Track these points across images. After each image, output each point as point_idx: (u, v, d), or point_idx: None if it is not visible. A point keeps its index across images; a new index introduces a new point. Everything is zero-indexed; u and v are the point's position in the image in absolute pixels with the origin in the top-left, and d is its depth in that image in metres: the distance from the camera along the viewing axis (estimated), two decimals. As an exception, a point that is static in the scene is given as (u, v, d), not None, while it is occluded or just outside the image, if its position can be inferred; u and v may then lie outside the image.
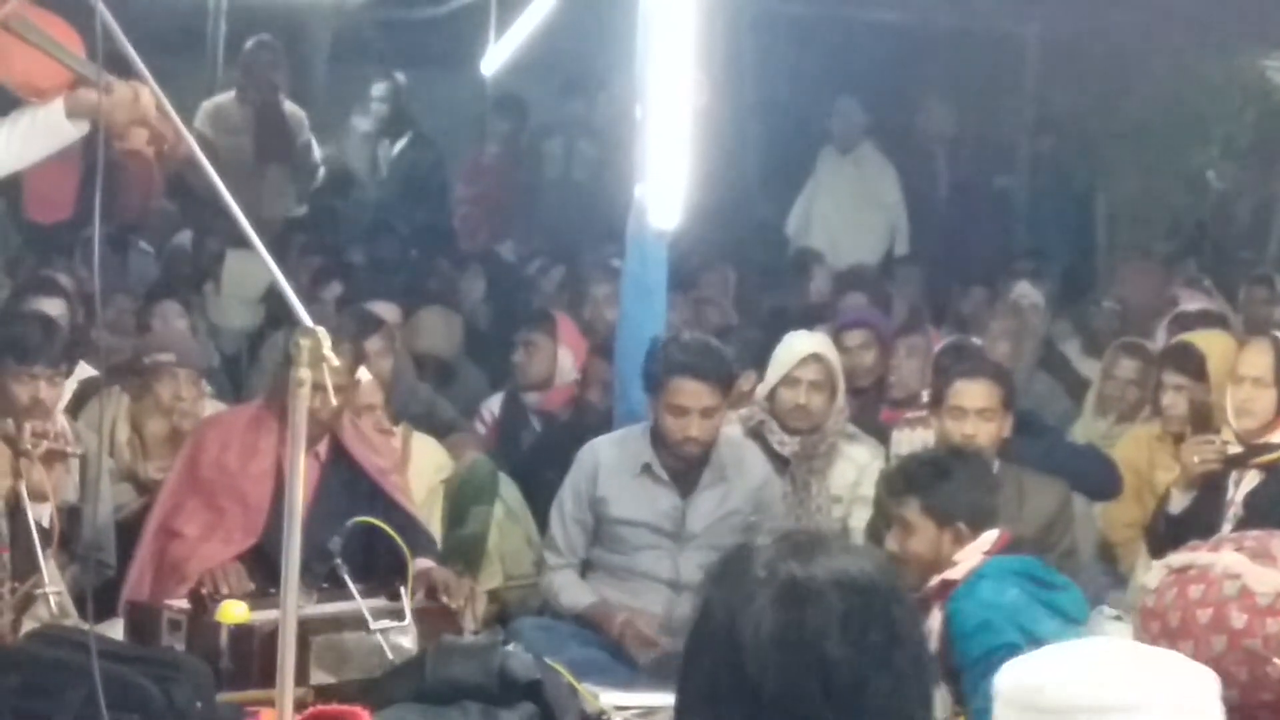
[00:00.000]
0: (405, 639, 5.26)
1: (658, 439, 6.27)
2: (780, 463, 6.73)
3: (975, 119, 13.25)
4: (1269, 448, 6.19)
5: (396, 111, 12.33)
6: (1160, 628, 5.10)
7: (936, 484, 5.26)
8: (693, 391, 6.14)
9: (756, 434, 6.82)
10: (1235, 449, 6.21)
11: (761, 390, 6.93)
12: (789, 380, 6.82)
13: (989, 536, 5.18)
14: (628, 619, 6.10)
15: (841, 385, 6.91)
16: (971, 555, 5.14)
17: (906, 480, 5.35)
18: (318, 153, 11.37)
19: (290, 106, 11.21)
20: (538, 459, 7.15)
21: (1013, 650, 4.88)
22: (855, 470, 6.85)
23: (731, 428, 6.72)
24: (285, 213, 10.80)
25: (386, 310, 7.81)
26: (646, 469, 6.27)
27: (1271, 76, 13.06)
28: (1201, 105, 13.06)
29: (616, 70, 7.98)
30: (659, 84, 6.71)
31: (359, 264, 10.12)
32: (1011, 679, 2.74)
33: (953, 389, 6.36)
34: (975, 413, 6.25)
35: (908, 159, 12.40)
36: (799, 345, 6.93)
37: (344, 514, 5.56)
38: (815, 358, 6.83)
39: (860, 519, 6.67)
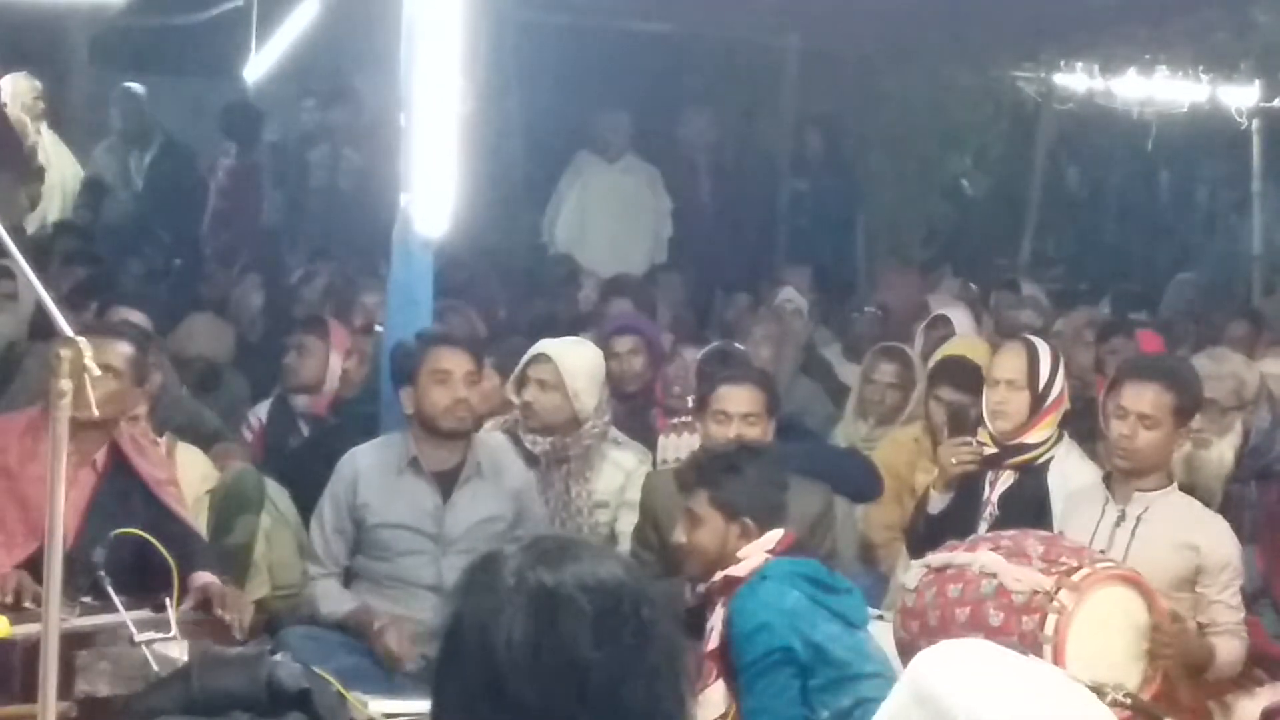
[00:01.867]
0: (175, 651, 5.20)
1: (424, 426, 6.29)
2: (536, 462, 6.78)
3: (737, 128, 13.40)
4: (1023, 448, 6.33)
5: (139, 121, 12.14)
6: (920, 626, 5.23)
7: (726, 477, 5.30)
8: (452, 357, 6.26)
9: (513, 434, 6.86)
10: (991, 450, 6.35)
11: (509, 390, 6.99)
12: (519, 378, 6.90)
13: (774, 535, 5.24)
14: (384, 626, 6.09)
15: (586, 388, 6.90)
16: (756, 553, 5.19)
17: (698, 472, 5.40)
18: (44, 157, 11.13)
19: (14, 110, 10.96)
20: (305, 463, 7.11)
21: (789, 654, 4.98)
22: (622, 475, 6.90)
23: (492, 435, 6.78)
24: (17, 221, 10.56)
25: (137, 318, 7.67)
26: (413, 463, 6.28)
27: (1023, 87, 13.37)
28: (956, 116, 13.32)
29: (381, 78, 7.95)
30: (423, 92, 6.71)
31: (123, 274, 9.97)
32: (936, 683, 2.71)
33: (717, 394, 6.43)
34: (739, 417, 6.32)
35: (670, 167, 12.50)
36: (535, 346, 7.00)
37: (120, 525, 5.52)
38: (544, 357, 6.88)
39: (627, 523, 6.71)
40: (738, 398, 6.36)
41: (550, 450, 6.81)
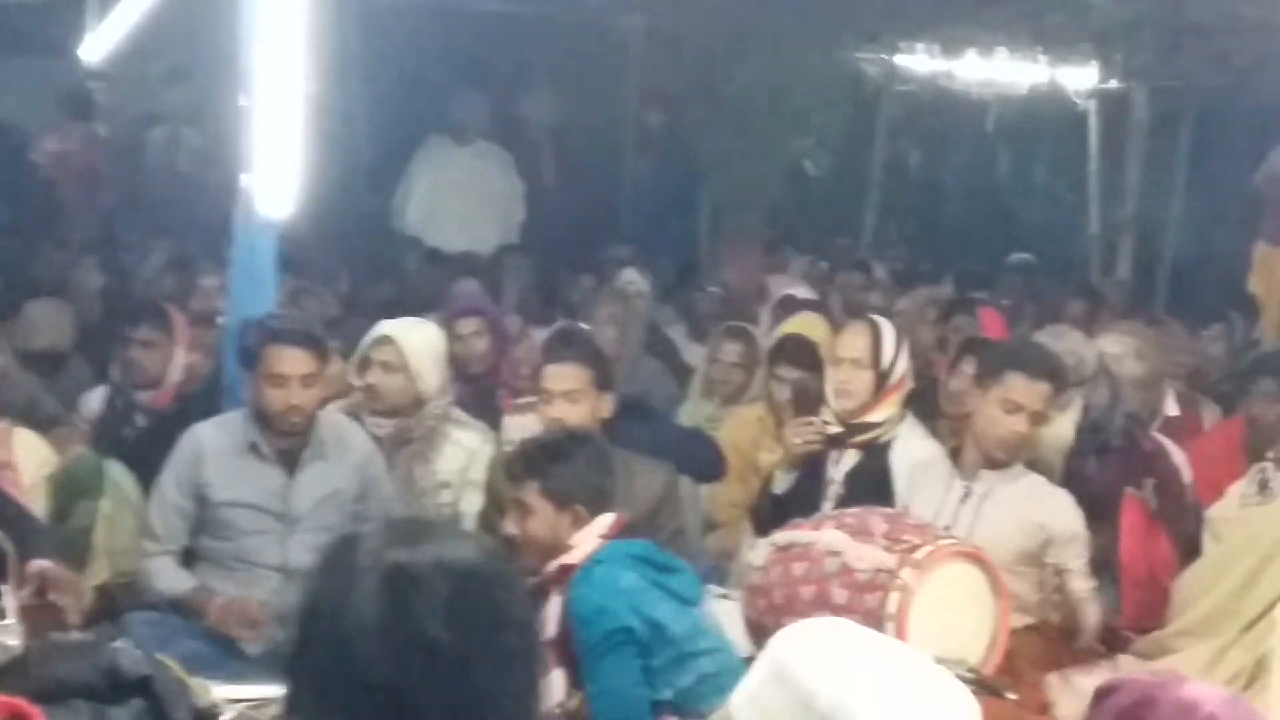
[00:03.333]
0: (10, 638, 5.12)
1: (261, 418, 6.24)
2: (380, 445, 6.76)
3: (582, 109, 13.39)
4: (867, 427, 6.39)
5: None
6: (766, 605, 5.26)
7: (555, 466, 5.29)
8: (290, 358, 6.17)
9: (355, 416, 6.83)
10: (835, 429, 6.40)
11: (350, 374, 6.95)
12: (361, 361, 6.87)
13: (605, 520, 5.24)
14: (228, 602, 6.04)
15: (430, 368, 6.88)
16: (588, 539, 5.19)
17: (525, 462, 5.37)
18: None
19: None
20: (143, 452, 7.02)
21: (630, 634, 4.99)
22: (465, 455, 6.88)
23: (334, 413, 6.74)
24: None
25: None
26: (253, 448, 6.23)
27: (864, 69, 13.47)
28: (798, 96, 13.39)
29: (222, 57, 7.86)
30: (265, 72, 6.64)
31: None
32: (797, 663, 2.74)
33: (541, 373, 6.46)
34: (560, 395, 6.30)
35: (516, 148, 12.48)
36: (376, 328, 6.97)
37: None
38: (386, 339, 6.86)
39: (470, 504, 6.70)
40: (556, 375, 6.35)
41: (394, 433, 6.79)
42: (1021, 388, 5.88)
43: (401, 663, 2.45)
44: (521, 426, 7.07)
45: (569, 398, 6.30)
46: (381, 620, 2.45)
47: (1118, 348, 7.28)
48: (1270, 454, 6.17)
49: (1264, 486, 6.14)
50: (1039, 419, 5.90)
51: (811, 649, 2.72)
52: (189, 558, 6.30)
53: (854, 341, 6.46)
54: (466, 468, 6.86)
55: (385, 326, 6.97)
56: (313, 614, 2.53)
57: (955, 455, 6.05)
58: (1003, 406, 5.88)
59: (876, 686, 2.66)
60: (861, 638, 2.78)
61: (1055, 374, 5.99)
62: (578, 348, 6.91)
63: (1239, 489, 6.22)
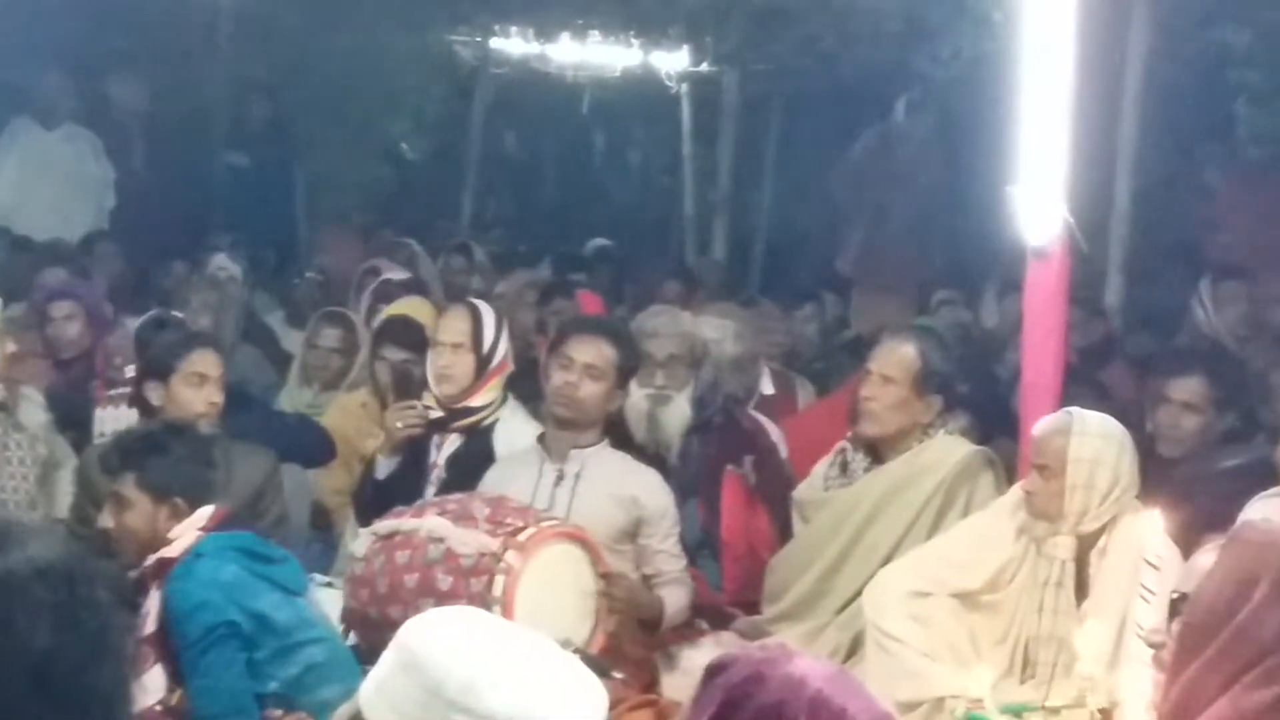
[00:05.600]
0: None
1: None
2: None
3: (171, 91, 13.10)
4: (469, 411, 6.40)
5: None
6: (369, 594, 5.23)
7: (152, 458, 5.19)
8: None
9: None
10: (437, 413, 6.39)
11: None
12: None
13: (205, 512, 5.15)
14: None
15: None
16: (188, 532, 5.10)
17: (122, 454, 5.26)
18: None
19: None
20: None
21: (232, 628, 4.91)
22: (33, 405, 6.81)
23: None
24: None
25: None
26: None
27: (459, 51, 13.47)
28: (393, 78, 13.33)
29: None
30: None
31: None
32: (423, 651, 2.72)
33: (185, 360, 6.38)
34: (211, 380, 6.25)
35: (105, 132, 12.19)
36: None
37: None
38: None
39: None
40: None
41: None
42: (569, 343, 6.01)
43: (9, 677, 2.32)
44: (115, 418, 6.94)
45: (196, 383, 6.22)
46: None
47: (713, 328, 7.40)
48: (849, 434, 6.31)
49: (845, 468, 6.28)
50: (594, 373, 5.95)
51: (438, 636, 2.73)
52: None
53: (454, 325, 6.47)
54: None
55: None
56: None
57: (544, 440, 6.08)
58: (560, 364, 5.99)
59: (504, 669, 2.67)
60: (487, 623, 2.79)
61: (618, 337, 6.15)
62: (196, 335, 6.84)
63: (822, 470, 6.36)
